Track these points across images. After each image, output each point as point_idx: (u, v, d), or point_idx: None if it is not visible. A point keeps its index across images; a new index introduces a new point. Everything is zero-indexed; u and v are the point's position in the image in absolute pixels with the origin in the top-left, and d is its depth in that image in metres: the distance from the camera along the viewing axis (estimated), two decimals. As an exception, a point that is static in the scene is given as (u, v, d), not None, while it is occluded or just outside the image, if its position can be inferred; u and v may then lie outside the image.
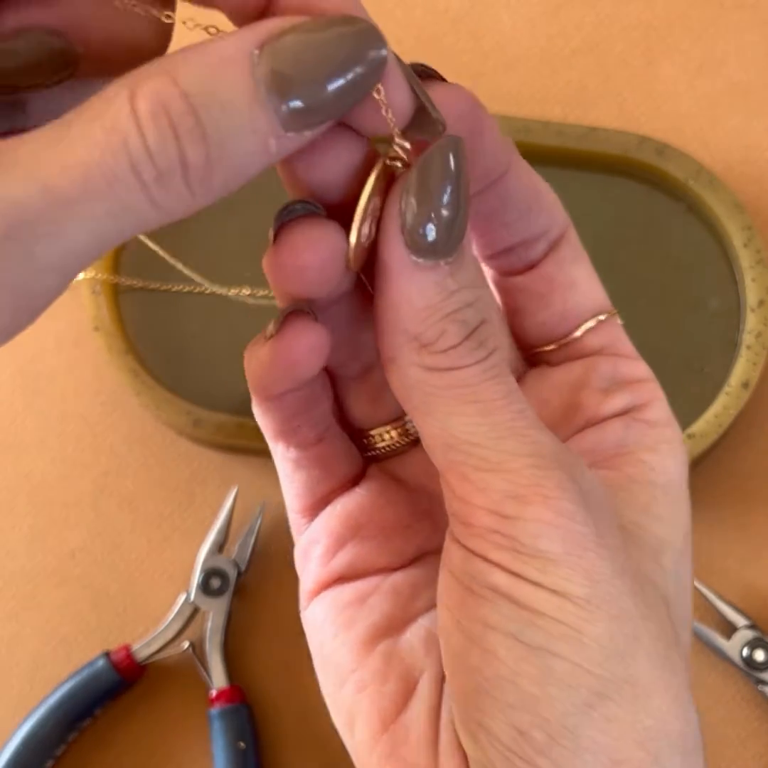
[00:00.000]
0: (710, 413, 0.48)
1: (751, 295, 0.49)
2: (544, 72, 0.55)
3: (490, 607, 0.23)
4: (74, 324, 0.52)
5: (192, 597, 0.48)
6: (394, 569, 0.28)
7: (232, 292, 0.51)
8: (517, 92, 0.55)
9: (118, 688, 0.47)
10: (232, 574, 0.48)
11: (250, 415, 0.49)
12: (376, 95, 0.22)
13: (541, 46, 0.55)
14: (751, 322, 0.48)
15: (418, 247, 0.23)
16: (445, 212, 0.23)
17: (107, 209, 0.21)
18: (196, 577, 0.48)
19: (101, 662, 0.47)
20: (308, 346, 0.25)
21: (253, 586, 0.50)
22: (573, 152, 0.51)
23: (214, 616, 0.48)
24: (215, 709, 0.47)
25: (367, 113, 0.23)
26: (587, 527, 0.23)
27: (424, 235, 0.23)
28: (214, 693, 0.47)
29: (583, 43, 0.55)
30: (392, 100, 0.23)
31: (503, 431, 0.23)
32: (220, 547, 0.49)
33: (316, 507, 0.28)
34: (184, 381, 0.50)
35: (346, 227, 0.24)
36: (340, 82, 0.21)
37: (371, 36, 0.22)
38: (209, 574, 0.48)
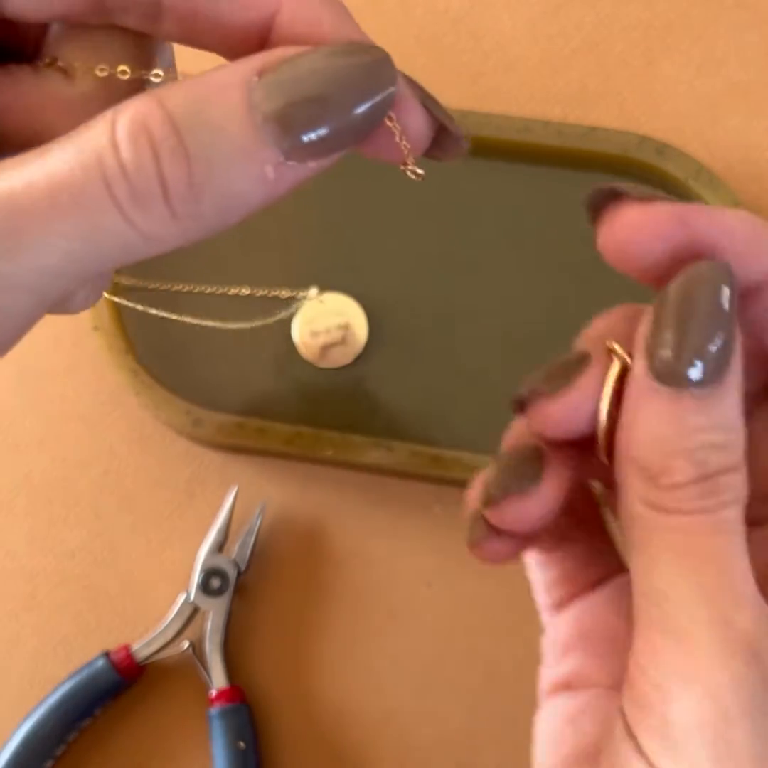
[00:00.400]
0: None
1: (751, 294, 0.49)
2: (544, 72, 0.55)
3: None
4: (73, 324, 0.52)
5: (192, 597, 0.48)
6: (615, 687, 0.25)
7: (232, 292, 0.51)
8: (517, 92, 0.55)
9: (117, 688, 0.47)
10: (232, 573, 0.48)
11: (250, 415, 0.50)
12: (388, 123, 0.22)
13: (541, 46, 0.55)
14: (751, 321, 0.48)
15: (661, 375, 0.21)
16: (711, 349, 0.21)
17: (77, 228, 0.20)
18: (196, 577, 0.48)
19: (101, 662, 0.47)
20: (501, 557, 0.26)
21: (253, 586, 0.50)
22: (573, 152, 0.51)
23: (214, 615, 0.48)
24: (215, 709, 0.47)
25: (381, 142, 0.22)
26: (746, 732, 0.20)
27: (684, 376, 0.21)
28: (213, 693, 0.47)
29: (583, 43, 0.55)
30: (407, 125, 0.22)
31: (704, 597, 0.21)
32: (220, 546, 0.49)
33: (560, 605, 0.28)
34: (184, 381, 0.50)
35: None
36: (361, 109, 0.21)
37: (386, 64, 0.21)
38: (209, 573, 0.48)
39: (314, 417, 0.49)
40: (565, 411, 0.23)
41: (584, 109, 0.54)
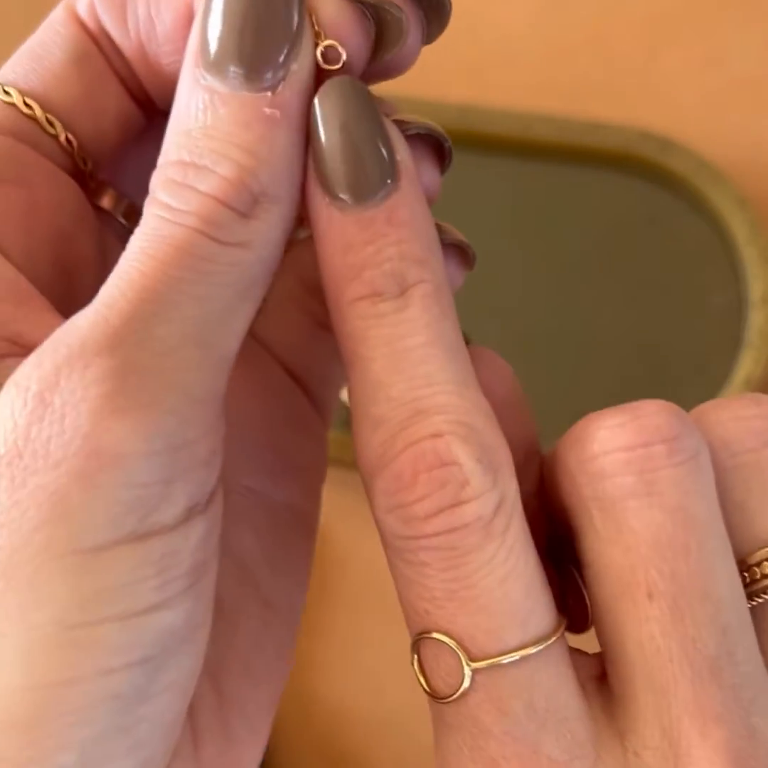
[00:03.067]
0: (713, 411, 0.47)
1: (755, 291, 0.48)
2: (544, 66, 0.54)
3: None
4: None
5: (190, 597, 0.48)
6: None
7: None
8: (518, 87, 0.54)
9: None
10: (231, 573, 0.48)
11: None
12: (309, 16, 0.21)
13: (541, 39, 0.55)
14: (755, 319, 0.48)
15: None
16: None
17: (188, 273, 0.20)
18: (195, 577, 0.48)
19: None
20: None
21: (253, 585, 0.49)
22: (574, 148, 0.51)
23: (212, 616, 0.48)
24: (214, 710, 0.47)
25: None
26: None
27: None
28: (212, 694, 0.47)
29: (584, 36, 0.55)
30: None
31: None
32: (218, 546, 0.48)
33: None
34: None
35: None
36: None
37: None
38: (208, 573, 0.48)
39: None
40: None
41: (586, 103, 0.54)
